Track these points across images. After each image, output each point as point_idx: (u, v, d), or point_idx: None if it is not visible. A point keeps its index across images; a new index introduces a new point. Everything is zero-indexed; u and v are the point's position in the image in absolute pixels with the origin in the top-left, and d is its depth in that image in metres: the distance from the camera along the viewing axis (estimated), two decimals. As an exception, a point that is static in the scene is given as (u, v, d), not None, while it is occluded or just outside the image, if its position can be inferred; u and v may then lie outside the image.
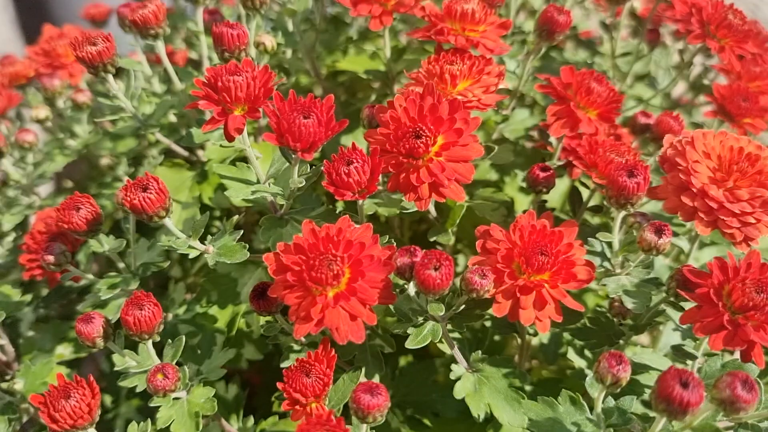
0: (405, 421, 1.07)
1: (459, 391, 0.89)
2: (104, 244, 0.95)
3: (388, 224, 1.24)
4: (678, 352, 0.92)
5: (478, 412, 0.87)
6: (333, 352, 0.82)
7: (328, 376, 0.80)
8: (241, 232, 0.91)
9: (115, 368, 0.90)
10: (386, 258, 0.77)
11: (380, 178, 0.84)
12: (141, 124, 1.14)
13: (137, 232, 0.98)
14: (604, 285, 0.90)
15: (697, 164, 0.86)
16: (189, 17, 1.56)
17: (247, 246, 0.89)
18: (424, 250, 0.80)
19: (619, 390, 0.75)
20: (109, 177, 1.29)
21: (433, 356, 1.16)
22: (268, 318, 0.94)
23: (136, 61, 1.17)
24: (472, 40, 0.96)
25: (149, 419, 0.87)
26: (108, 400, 1.28)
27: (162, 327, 0.87)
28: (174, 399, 0.89)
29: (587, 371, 1.03)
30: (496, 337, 1.16)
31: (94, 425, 0.80)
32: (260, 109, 0.84)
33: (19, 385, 1.01)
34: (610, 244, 0.92)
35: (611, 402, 0.80)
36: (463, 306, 0.85)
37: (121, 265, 1.00)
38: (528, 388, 0.93)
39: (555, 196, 1.35)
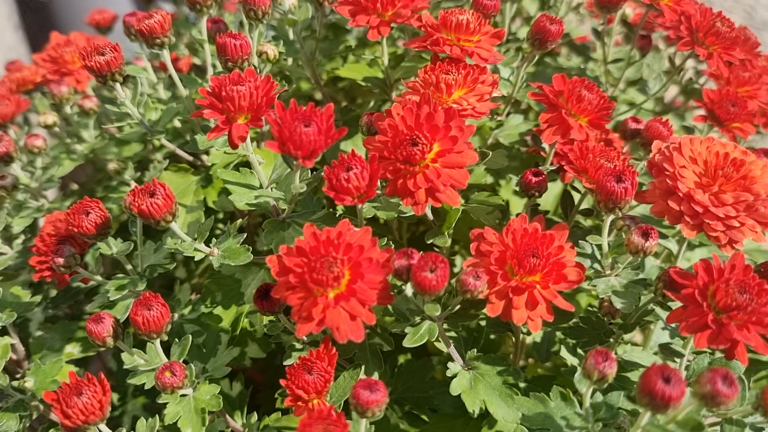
0: (403, 416, 1.08)
1: (455, 388, 0.91)
2: (112, 246, 0.97)
3: (387, 225, 1.25)
4: (666, 351, 0.94)
5: (473, 408, 0.90)
6: (334, 351, 0.84)
7: (329, 374, 0.82)
8: (245, 234, 0.93)
9: (124, 366, 0.92)
10: (384, 260, 0.77)
11: (379, 183, 0.85)
12: (147, 131, 1.16)
13: (143, 235, 1.00)
14: (595, 286, 0.92)
15: (683, 169, 0.88)
16: (192, 23, 1.59)
17: (251, 248, 0.91)
18: (420, 253, 0.80)
19: (606, 385, 0.77)
20: (115, 181, 1.31)
21: (430, 354, 1.17)
22: (271, 318, 0.96)
23: (142, 68, 1.19)
24: (467, 49, 0.98)
25: (157, 416, 0.89)
26: (115, 397, 1.29)
27: (169, 326, 0.89)
28: (181, 396, 0.91)
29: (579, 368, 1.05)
30: (492, 336, 1.18)
31: (105, 421, 0.82)
32: (263, 118, 0.86)
33: (29, 383, 1.02)
34: (600, 247, 0.94)
35: (600, 397, 0.83)
36: (459, 306, 0.87)
37: (128, 266, 1.01)
38: (522, 385, 0.95)
39: (548, 199, 1.37)
